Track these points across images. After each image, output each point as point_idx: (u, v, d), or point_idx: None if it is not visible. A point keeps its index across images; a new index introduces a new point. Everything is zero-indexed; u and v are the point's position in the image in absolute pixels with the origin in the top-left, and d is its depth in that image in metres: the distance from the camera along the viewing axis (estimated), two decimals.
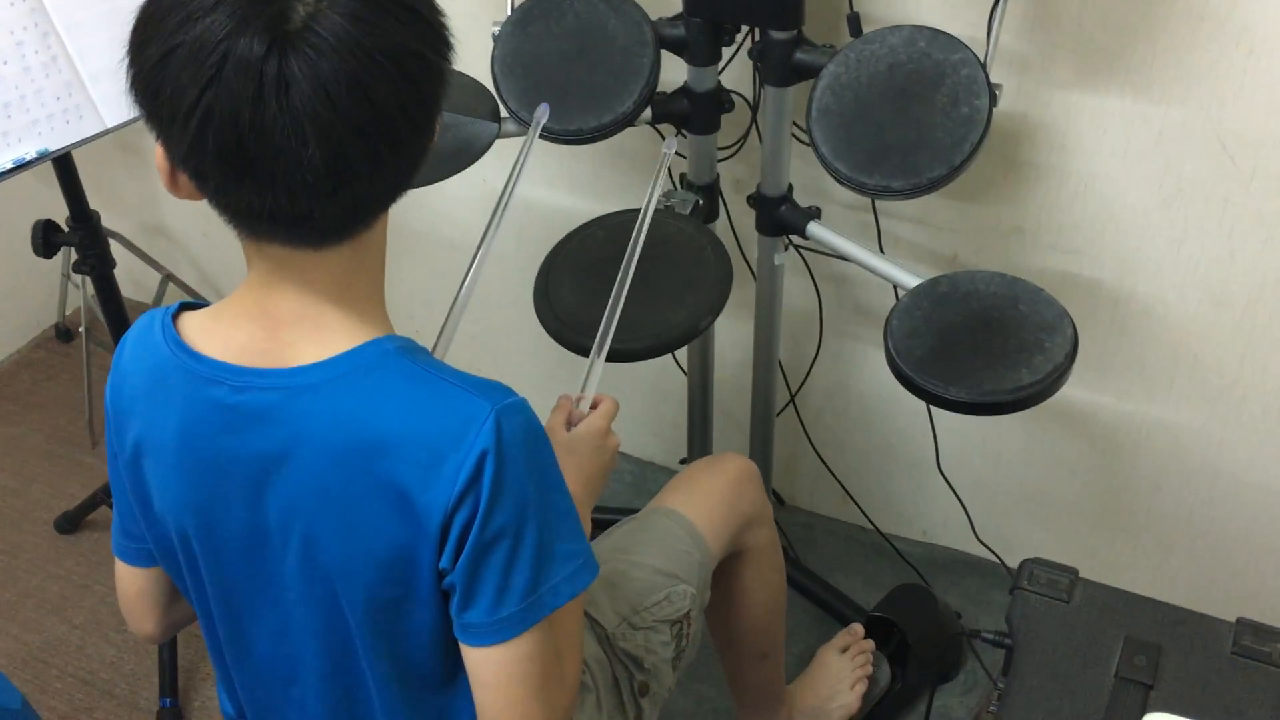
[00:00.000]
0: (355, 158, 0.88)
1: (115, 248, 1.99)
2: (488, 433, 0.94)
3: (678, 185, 1.79)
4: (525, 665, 0.99)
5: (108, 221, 1.97)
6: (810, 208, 1.69)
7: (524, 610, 0.98)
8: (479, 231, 1.28)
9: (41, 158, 1.62)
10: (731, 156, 1.80)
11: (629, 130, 1.61)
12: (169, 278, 2.44)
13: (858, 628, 1.86)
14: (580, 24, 1.60)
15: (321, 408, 0.96)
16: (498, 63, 1.60)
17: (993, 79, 1.41)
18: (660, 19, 1.60)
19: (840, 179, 1.45)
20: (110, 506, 2.20)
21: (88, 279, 1.96)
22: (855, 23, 1.56)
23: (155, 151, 0.93)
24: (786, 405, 2.05)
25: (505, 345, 2.29)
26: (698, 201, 1.73)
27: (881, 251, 1.81)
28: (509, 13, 1.62)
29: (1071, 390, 1.47)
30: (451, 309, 1.23)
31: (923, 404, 1.45)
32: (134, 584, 1.19)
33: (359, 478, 0.96)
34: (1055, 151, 1.65)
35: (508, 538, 0.96)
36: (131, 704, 1.97)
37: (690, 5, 1.55)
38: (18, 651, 2.06)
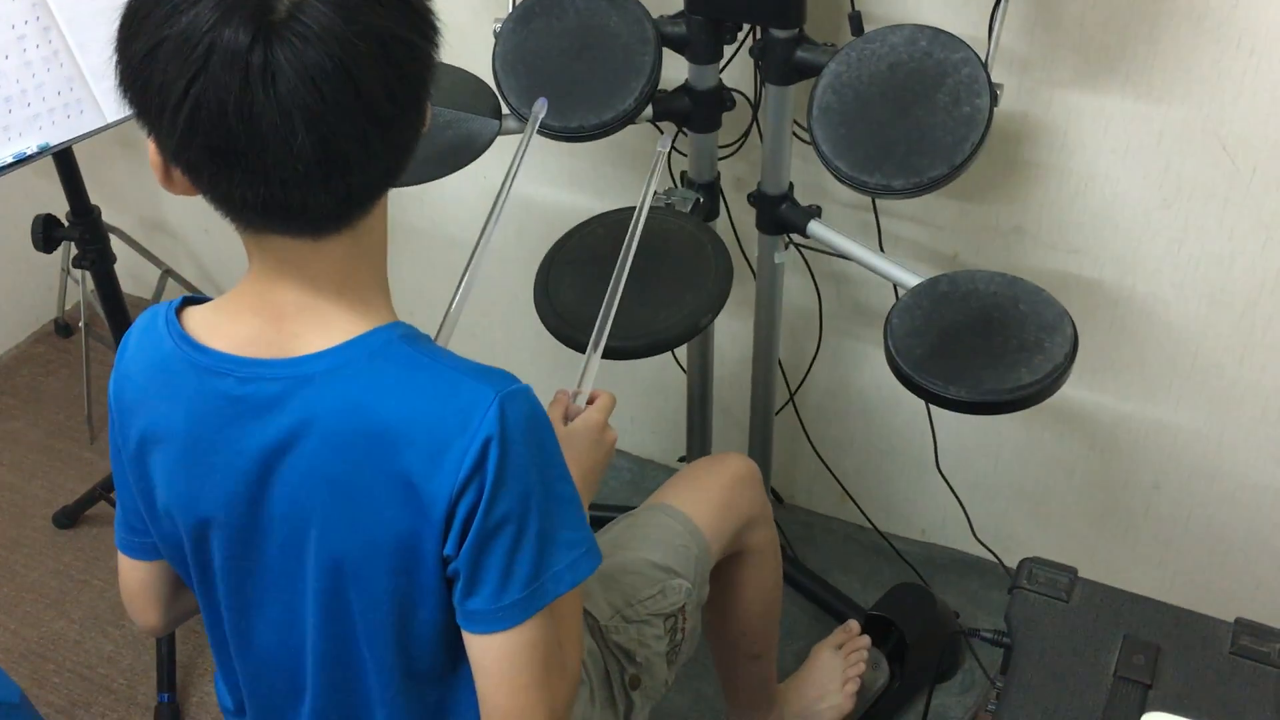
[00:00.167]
0: (345, 145, 0.88)
1: (115, 243, 1.99)
2: (492, 419, 0.94)
3: (678, 183, 1.79)
4: (528, 653, 0.99)
5: (108, 217, 1.97)
6: (811, 206, 1.69)
7: (527, 597, 0.98)
8: (479, 229, 1.29)
9: (42, 152, 1.62)
10: (732, 155, 1.80)
11: (630, 128, 1.61)
12: (168, 273, 2.44)
13: (853, 624, 1.85)
14: (582, 21, 1.60)
15: (326, 396, 0.96)
16: (499, 59, 1.60)
17: (994, 78, 1.41)
18: (661, 17, 1.60)
19: (841, 178, 1.45)
20: (109, 501, 2.23)
21: (87, 274, 1.96)
22: (857, 21, 1.56)
23: (148, 148, 0.93)
24: (786, 404, 2.05)
25: (505, 342, 2.29)
26: (698, 199, 1.73)
27: (882, 250, 1.81)
28: (510, 9, 1.62)
29: (1070, 390, 1.47)
30: (451, 304, 1.23)
31: (922, 403, 1.45)
32: (137, 578, 1.19)
33: (364, 465, 0.96)
34: (1056, 151, 1.65)
35: (511, 524, 0.96)
36: (129, 699, 1.97)
37: (691, 3, 1.55)
38: (16, 646, 2.06)
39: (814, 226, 1.66)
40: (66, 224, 1.92)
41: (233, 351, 0.99)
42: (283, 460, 0.98)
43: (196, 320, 1.03)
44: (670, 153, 1.84)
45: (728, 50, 1.63)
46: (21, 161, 1.59)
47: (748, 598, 1.58)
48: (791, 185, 1.70)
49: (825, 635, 1.88)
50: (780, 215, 1.69)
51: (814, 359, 2.00)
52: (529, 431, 0.96)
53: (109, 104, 1.65)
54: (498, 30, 1.62)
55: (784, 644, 1.69)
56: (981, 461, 2.00)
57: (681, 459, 2.11)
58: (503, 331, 2.27)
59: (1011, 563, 2.02)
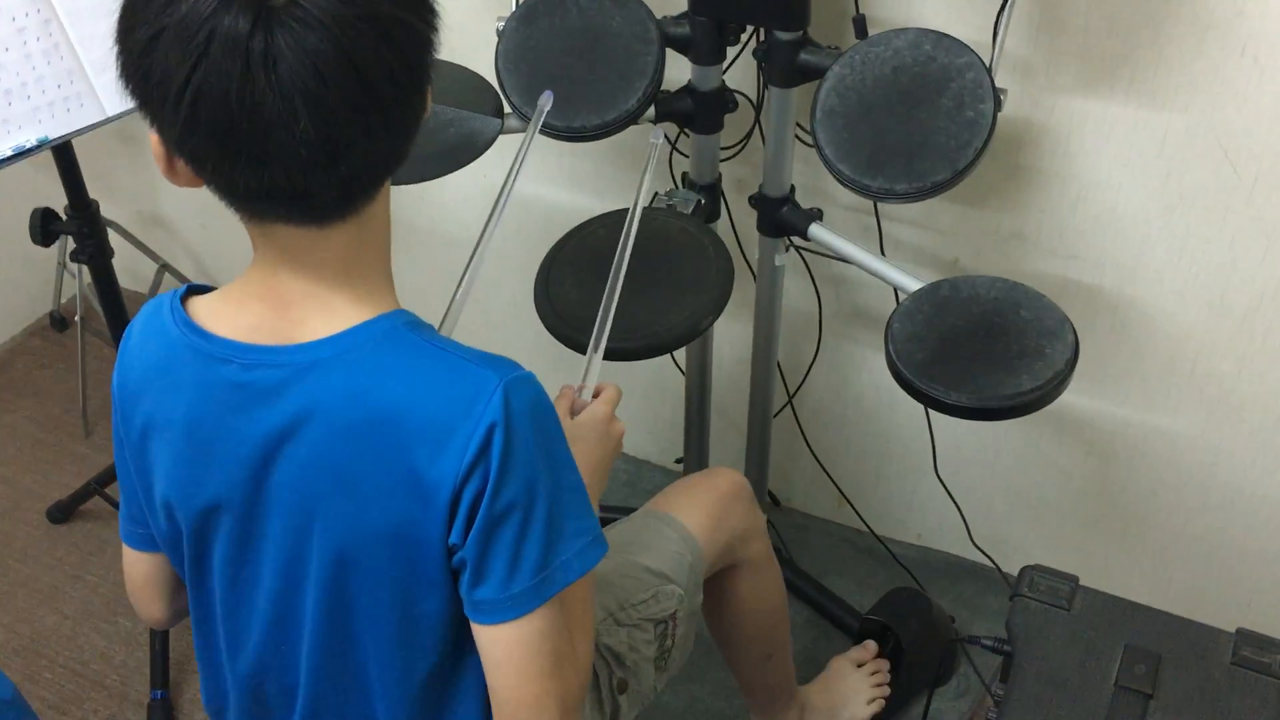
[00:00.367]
0: (347, 129, 0.88)
1: (112, 237, 1.98)
2: (496, 405, 0.93)
3: (679, 184, 1.79)
4: (538, 643, 0.99)
5: (105, 211, 1.97)
6: (812, 209, 1.68)
7: (536, 586, 0.97)
8: (480, 228, 1.28)
9: (41, 145, 1.61)
10: (734, 156, 1.80)
11: (632, 128, 1.60)
12: (165, 268, 2.44)
13: (872, 644, 1.85)
14: (585, 21, 1.59)
15: (329, 382, 0.96)
16: (501, 58, 1.60)
17: (997, 83, 1.41)
18: (665, 17, 1.60)
19: (843, 181, 1.44)
20: (104, 496, 2.22)
21: (84, 268, 1.95)
22: (861, 25, 1.56)
23: (150, 140, 0.93)
24: (784, 406, 2.05)
25: (505, 342, 2.29)
26: (700, 201, 1.72)
27: (883, 254, 1.81)
28: (513, 8, 1.62)
29: (1070, 396, 1.47)
30: (452, 302, 1.23)
31: (920, 407, 1.45)
32: (142, 570, 1.19)
33: (367, 452, 0.95)
34: (1058, 157, 1.65)
35: (518, 511, 0.96)
36: (122, 695, 1.96)
37: (695, 4, 1.55)
38: (9, 641, 2.05)
39: (815, 229, 1.65)
40: (65, 217, 1.92)
41: (237, 338, 0.99)
42: (285, 447, 0.98)
43: (201, 308, 1.03)
44: (670, 152, 1.84)
45: (731, 52, 1.63)
46: (20, 155, 1.59)
47: (750, 608, 1.58)
48: (793, 188, 1.70)
49: (821, 638, 1.88)
50: (781, 218, 1.69)
51: (813, 362, 2.00)
52: (534, 418, 0.96)
53: (109, 98, 1.64)
54: (500, 28, 1.61)
55: None
56: (979, 466, 2.00)
57: (678, 461, 2.10)
58: (503, 331, 2.26)
59: (1008, 568, 2.02)
